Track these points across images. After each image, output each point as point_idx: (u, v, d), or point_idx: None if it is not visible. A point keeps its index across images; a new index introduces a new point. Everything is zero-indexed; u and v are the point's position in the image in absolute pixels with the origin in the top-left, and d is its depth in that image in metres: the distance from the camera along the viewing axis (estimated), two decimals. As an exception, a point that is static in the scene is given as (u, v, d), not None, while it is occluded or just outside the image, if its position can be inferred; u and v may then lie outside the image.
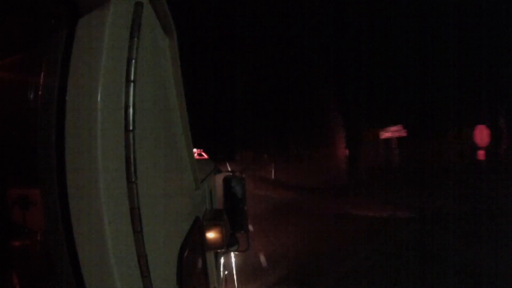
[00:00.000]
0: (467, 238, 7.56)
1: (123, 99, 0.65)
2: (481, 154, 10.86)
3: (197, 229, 1.26)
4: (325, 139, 21.19)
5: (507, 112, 14.80)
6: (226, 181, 2.35)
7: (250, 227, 7.69)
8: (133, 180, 0.63)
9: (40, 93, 0.62)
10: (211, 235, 1.47)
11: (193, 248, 1.09)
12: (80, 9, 0.62)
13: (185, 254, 0.96)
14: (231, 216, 2.12)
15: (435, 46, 16.01)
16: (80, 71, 0.60)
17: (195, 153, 2.22)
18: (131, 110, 0.65)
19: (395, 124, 16.84)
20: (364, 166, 18.15)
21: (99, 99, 0.59)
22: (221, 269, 2.62)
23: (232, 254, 3.84)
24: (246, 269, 6.00)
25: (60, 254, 0.59)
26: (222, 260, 2.68)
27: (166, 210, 0.89)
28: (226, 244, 1.70)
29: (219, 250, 1.83)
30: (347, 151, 19.43)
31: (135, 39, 0.68)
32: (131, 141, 0.64)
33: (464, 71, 15.05)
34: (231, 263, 4.10)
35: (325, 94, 20.04)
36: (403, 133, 16.56)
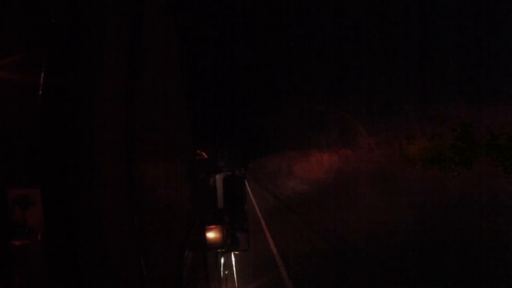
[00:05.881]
0: None
1: (125, 98, 0.64)
2: None
3: (197, 229, 1.26)
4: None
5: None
6: (226, 181, 2.35)
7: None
8: (133, 180, 0.63)
9: (40, 93, 0.61)
10: (211, 235, 1.47)
11: (193, 248, 1.09)
12: (80, 8, 0.62)
13: (185, 254, 0.96)
14: (231, 215, 2.13)
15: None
16: (81, 70, 0.60)
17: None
18: (132, 110, 0.64)
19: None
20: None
21: (99, 98, 0.58)
22: (222, 268, 2.62)
23: (233, 253, 3.84)
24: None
25: (60, 254, 0.59)
26: (222, 260, 2.68)
27: (166, 210, 0.89)
28: (227, 244, 1.70)
29: (219, 250, 1.83)
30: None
31: (136, 37, 0.67)
32: (132, 141, 0.64)
33: None
34: (232, 262, 4.09)
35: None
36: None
